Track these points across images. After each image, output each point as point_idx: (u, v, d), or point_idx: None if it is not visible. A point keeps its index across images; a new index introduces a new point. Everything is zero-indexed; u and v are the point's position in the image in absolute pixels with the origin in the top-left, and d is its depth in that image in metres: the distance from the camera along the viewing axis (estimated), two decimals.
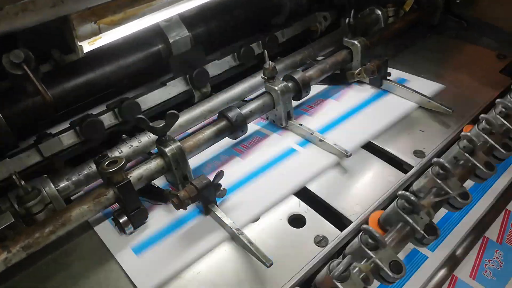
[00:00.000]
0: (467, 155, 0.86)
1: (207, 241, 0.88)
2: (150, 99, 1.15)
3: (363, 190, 0.98)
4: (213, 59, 1.26)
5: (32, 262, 0.86)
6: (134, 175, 0.90)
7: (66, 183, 0.95)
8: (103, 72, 1.11)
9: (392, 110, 1.18)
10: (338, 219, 0.92)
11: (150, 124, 0.90)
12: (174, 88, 1.19)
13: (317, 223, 0.91)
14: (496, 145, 0.90)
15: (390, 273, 0.69)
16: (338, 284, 0.68)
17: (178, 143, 0.92)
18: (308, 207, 0.94)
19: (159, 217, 0.94)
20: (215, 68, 1.26)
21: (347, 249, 0.77)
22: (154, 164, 0.93)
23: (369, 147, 1.09)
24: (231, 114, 1.03)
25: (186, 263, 0.84)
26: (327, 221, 0.91)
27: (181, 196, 0.86)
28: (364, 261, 0.72)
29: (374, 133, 1.11)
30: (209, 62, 1.25)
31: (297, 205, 0.94)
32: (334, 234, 0.88)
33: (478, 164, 0.85)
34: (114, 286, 0.81)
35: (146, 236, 0.89)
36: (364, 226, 0.74)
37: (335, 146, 1.03)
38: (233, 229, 0.85)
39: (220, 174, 0.90)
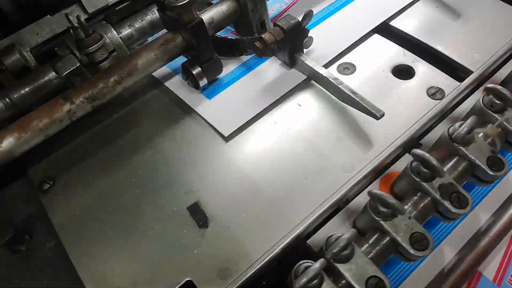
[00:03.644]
0: None
1: (294, 95, 0.74)
2: None
3: (482, 36, 0.78)
4: None
5: (98, 121, 0.76)
6: (205, 17, 0.73)
7: (129, 30, 0.82)
8: None
9: None
10: (453, 70, 0.75)
11: None
12: None
13: (428, 74, 0.74)
14: None
15: None
16: (462, 148, 0.54)
17: None
18: (416, 56, 0.76)
19: (233, 73, 0.80)
20: None
21: (468, 113, 0.62)
22: (226, 6, 0.76)
23: None
24: None
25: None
26: (441, 72, 0.74)
27: (266, 38, 0.70)
28: (489, 125, 0.58)
29: None
30: None
31: (401, 55, 0.77)
32: (451, 86, 0.71)
33: None
34: (193, 140, 0.70)
35: (226, 93, 0.76)
36: (489, 85, 0.59)
37: None
38: (330, 79, 0.70)
39: (309, 14, 0.72)
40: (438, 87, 0.72)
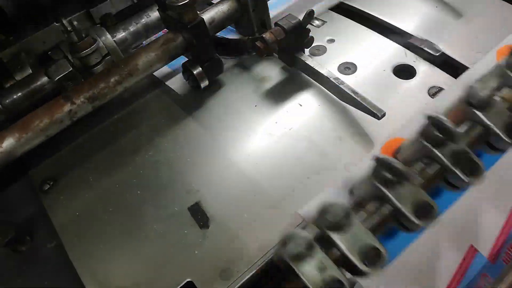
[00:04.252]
0: None
1: (295, 95, 0.74)
2: None
3: (483, 36, 0.78)
4: None
5: (99, 121, 0.76)
6: (205, 17, 0.73)
7: (123, 33, 0.81)
8: None
9: None
10: (455, 70, 0.75)
11: None
12: None
13: (429, 73, 0.74)
14: None
15: None
16: (478, 112, 0.50)
17: None
18: (417, 56, 0.76)
19: (233, 74, 0.80)
20: None
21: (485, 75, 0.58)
22: (226, 6, 0.76)
23: None
24: None
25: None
26: (442, 71, 0.74)
27: (267, 38, 0.69)
28: (507, 90, 0.53)
29: None
30: None
31: (402, 54, 0.77)
32: (454, 85, 0.71)
33: None
34: (195, 141, 0.70)
35: (225, 92, 0.76)
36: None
37: None
38: (331, 79, 0.70)
39: (310, 14, 0.72)
40: (439, 87, 0.71)
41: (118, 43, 0.79)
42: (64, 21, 0.69)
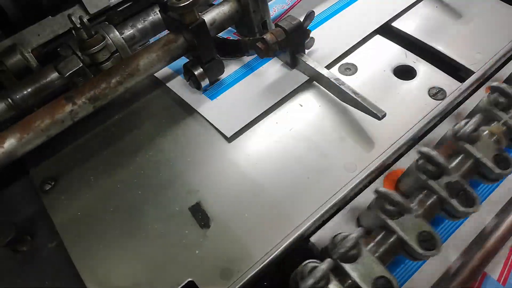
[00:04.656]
0: None
1: (295, 95, 0.74)
2: None
3: (483, 37, 0.78)
4: None
5: (100, 122, 0.76)
6: (206, 18, 0.74)
7: (132, 30, 0.81)
8: None
9: None
10: (455, 70, 0.75)
11: None
12: None
13: (430, 74, 0.74)
14: None
15: None
16: (467, 146, 0.54)
17: None
18: (417, 57, 0.76)
19: (234, 74, 0.80)
20: None
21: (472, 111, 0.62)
22: (227, 7, 0.77)
23: None
24: None
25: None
26: (442, 72, 0.74)
27: (268, 39, 0.70)
28: (495, 123, 0.58)
29: None
30: None
31: (403, 55, 0.77)
32: (453, 86, 0.71)
33: None
34: (195, 140, 0.70)
35: (228, 95, 0.76)
36: (494, 84, 0.59)
37: None
38: (332, 80, 0.70)
39: (311, 15, 0.73)
40: (439, 88, 0.72)
41: (126, 40, 0.80)
42: (73, 18, 0.70)
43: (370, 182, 0.63)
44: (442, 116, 0.70)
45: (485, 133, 0.57)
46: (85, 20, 0.68)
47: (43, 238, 0.65)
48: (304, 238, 0.58)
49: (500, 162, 0.53)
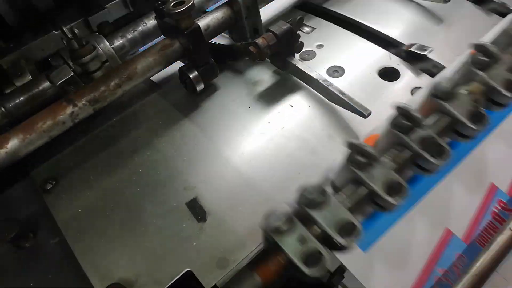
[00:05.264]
0: None
1: (286, 97, 0.78)
2: None
3: (462, 40, 0.83)
4: None
5: (99, 123, 0.79)
6: (201, 24, 0.77)
7: (121, 41, 0.85)
8: None
9: None
10: (436, 72, 0.79)
11: None
12: None
13: (412, 75, 0.79)
14: None
15: (505, 92, 0.56)
16: (444, 103, 0.55)
17: None
18: (400, 59, 0.81)
19: (228, 78, 0.84)
20: None
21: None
22: (221, 13, 0.81)
23: None
24: None
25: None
26: (424, 73, 0.78)
27: (260, 43, 0.74)
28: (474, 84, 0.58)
29: None
30: None
31: (387, 58, 0.82)
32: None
33: None
34: (191, 141, 0.73)
35: (220, 95, 0.80)
36: (479, 42, 0.59)
37: None
38: (320, 81, 0.74)
39: (300, 20, 0.77)
40: (419, 87, 0.76)
41: (116, 50, 0.83)
42: (65, 29, 0.73)
43: None
44: None
45: (464, 92, 0.57)
46: (76, 31, 0.71)
47: (45, 235, 0.67)
48: None
49: (476, 118, 0.54)
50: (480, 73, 0.58)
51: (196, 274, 0.57)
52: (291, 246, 0.46)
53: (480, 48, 0.59)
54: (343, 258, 0.54)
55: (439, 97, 0.55)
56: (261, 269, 0.49)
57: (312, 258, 0.46)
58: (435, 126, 0.55)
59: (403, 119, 0.54)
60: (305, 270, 0.45)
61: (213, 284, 0.56)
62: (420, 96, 0.59)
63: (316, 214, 0.47)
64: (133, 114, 0.81)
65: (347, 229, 0.47)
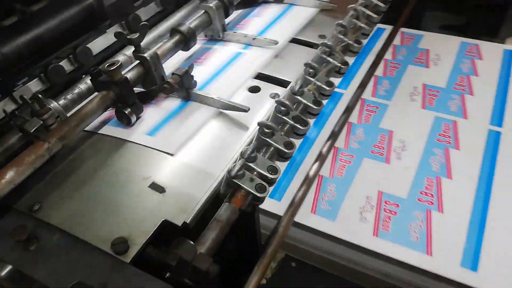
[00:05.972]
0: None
1: (199, 118, 1.17)
2: (96, 45, 1.30)
3: (293, 66, 1.35)
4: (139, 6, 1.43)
5: (63, 157, 1.06)
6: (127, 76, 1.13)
7: (64, 101, 1.15)
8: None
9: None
10: (281, 83, 1.28)
11: (128, 36, 1.13)
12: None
13: (269, 88, 1.25)
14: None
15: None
16: (298, 96, 1.08)
17: (153, 49, 1.18)
18: (261, 81, 1.28)
19: (151, 112, 1.20)
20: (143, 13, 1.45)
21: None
22: (136, 71, 1.18)
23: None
24: (182, 28, 1.30)
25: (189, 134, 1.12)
26: (276, 86, 1.26)
27: (171, 82, 1.13)
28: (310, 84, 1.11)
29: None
30: (137, 9, 1.43)
31: (250, 81, 1.28)
32: (283, 91, 1.23)
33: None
34: (137, 162, 1.05)
35: (151, 122, 1.15)
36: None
37: (265, 40, 1.38)
38: (208, 96, 1.16)
39: (191, 66, 1.19)
40: (276, 93, 1.23)
41: (62, 108, 1.12)
42: (25, 97, 1.01)
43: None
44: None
45: (306, 90, 1.10)
46: (40, 96, 1.00)
47: (46, 234, 0.90)
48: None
49: (316, 103, 1.08)
50: (312, 79, 1.10)
51: (170, 220, 0.89)
52: (247, 184, 0.88)
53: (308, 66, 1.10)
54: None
55: (295, 94, 1.06)
56: (233, 200, 0.88)
57: (260, 189, 0.88)
58: (298, 109, 1.06)
59: (282, 107, 1.01)
60: (259, 194, 0.87)
61: (182, 221, 0.88)
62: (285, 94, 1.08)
63: (254, 165, 0.90)
64: (85, 151, 1.10)
65: (272, 170, 0.91)
